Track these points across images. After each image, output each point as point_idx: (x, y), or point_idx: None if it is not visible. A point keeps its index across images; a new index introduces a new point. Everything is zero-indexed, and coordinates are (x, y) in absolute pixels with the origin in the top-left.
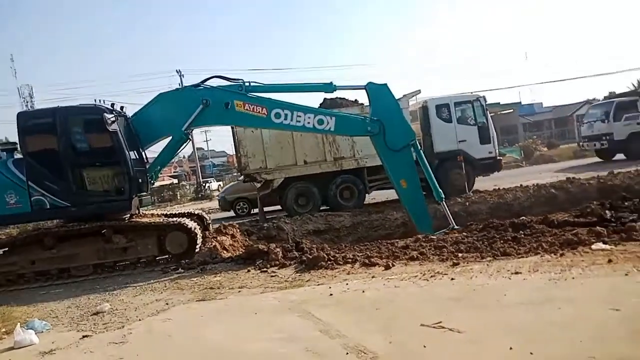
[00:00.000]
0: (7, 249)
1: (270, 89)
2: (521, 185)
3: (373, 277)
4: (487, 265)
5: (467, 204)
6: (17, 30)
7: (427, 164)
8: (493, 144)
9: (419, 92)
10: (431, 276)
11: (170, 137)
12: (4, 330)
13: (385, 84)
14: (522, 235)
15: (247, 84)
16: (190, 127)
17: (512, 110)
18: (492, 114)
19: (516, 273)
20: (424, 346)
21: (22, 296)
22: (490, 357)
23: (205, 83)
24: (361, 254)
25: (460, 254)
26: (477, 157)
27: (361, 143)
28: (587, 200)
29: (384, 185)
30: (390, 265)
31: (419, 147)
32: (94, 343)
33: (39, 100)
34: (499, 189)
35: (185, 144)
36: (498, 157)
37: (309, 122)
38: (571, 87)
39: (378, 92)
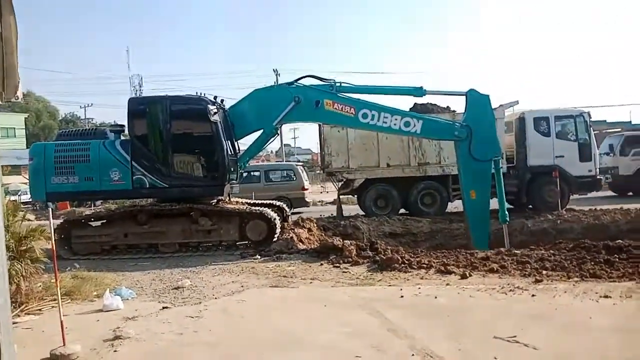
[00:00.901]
0: (105, 221)
1: (360, 90)
2: (621, 207)
3: (447, 284)
4: (574, 285)
5: (559, 222)
6: (133, 25)
7: (502, 183)
8: (594, 162)
9: (516, 102)
10: (510, 290)
11: (261, 131)
12: (95, 293)
13: (488, 96)
14: (617, 259)
15: (338, 84)
16: (280, 122)
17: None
18: (596, 132)
19: (605, 297)
20: (495, 358)
21: (113, 265)
22: None
23: (298, 81)
24: (437, 260)
25: (544, 271)
26: (574, 174)
27: (448, 150)
28: None
29: None
30: (467, 275)
31: (500, 165)
32: (172, 315)
33: (147, 89)
34: (595, 209)
35: (274, 138)
36: (598, 177)
37: (395, 124)
38: None
39: (478, 101)
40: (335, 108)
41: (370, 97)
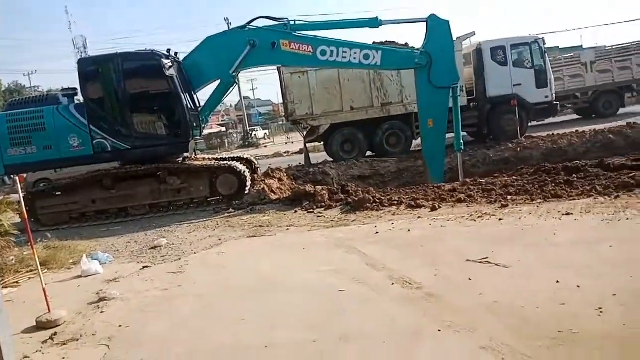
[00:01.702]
0: (70, 189)
1: (315, 27)
2: (577, 130)
3: (419, 217)
4: (537, 207)
5: (519, 149)
6: None
7: (459, 112)
8: (550, 88)
9: (473, 34)
10: (479, 217)
11: (219, 81)
12: (71, 261)
13: (448, 21)
14: (576, 179)
15: (292, 22)
16: (238, 69)
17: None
18: (551, 58)
19: (567, 214)
20: (470, 279)
21: (85, 232)
22: (536, 289)
23: (251, 24)
24: (407, 196)
25: (509, 197)
26: (532, 101)
27: (410, 88)
28: None
29: None
30: (437, 207)
31: (458, 93)
32: (153, 272)
33: (93, 50)
34: (553, 134)
35: (232, 88)
36: (554, 102)
37: (355, 58)
38: None
39: (438, 27)
40: (293, 48)
41: (326, 34)
